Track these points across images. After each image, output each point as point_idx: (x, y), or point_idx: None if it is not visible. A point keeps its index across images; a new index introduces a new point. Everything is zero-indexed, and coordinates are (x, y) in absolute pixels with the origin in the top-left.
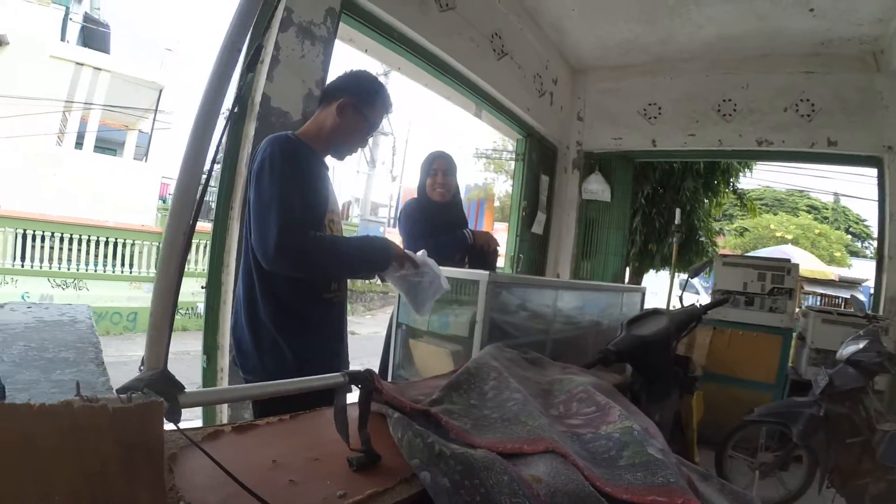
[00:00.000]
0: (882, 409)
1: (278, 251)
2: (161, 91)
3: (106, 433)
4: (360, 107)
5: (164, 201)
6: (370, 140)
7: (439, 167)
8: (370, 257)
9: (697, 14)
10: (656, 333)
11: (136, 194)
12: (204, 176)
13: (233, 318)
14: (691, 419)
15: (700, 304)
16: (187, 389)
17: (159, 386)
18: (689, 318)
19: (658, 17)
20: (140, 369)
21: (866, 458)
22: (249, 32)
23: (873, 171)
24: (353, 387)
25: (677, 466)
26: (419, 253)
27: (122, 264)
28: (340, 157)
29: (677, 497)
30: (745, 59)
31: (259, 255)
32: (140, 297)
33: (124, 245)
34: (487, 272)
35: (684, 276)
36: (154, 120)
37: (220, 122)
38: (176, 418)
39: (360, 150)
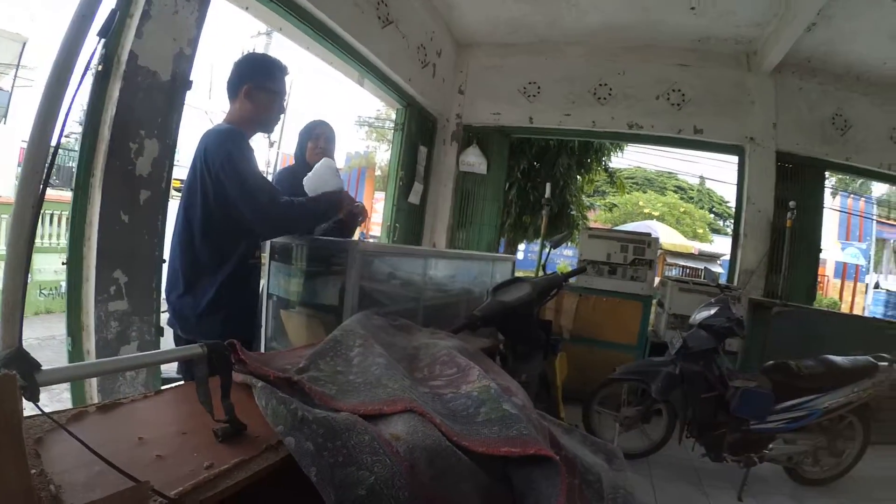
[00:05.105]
0: (734, 368)
1: (273, 220)
2: (25, 44)
3: None
4: (262, 84)
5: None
6: (286, 104)
7: (322, 132)
8: (323, 209)
9: (585, 0)
10: (519, 299)
11: None
12: (53, 143)
13: (168, 287)
14: (556, 378)
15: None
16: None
17: (15, 364)
18: (551, 286)
19: None
20: None
21: (721, 412)
22: None
23: (735, 158)
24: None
25: (537, 421)
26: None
27: None
28: (269, 130)
29: (530, 447)
30: (625, 48)
31: (258, 224)
32: None
33: None
34: (357, 241)
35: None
36: (15, 76)
37: (80, 82)
38: (34, 397)
39: (281, 116)
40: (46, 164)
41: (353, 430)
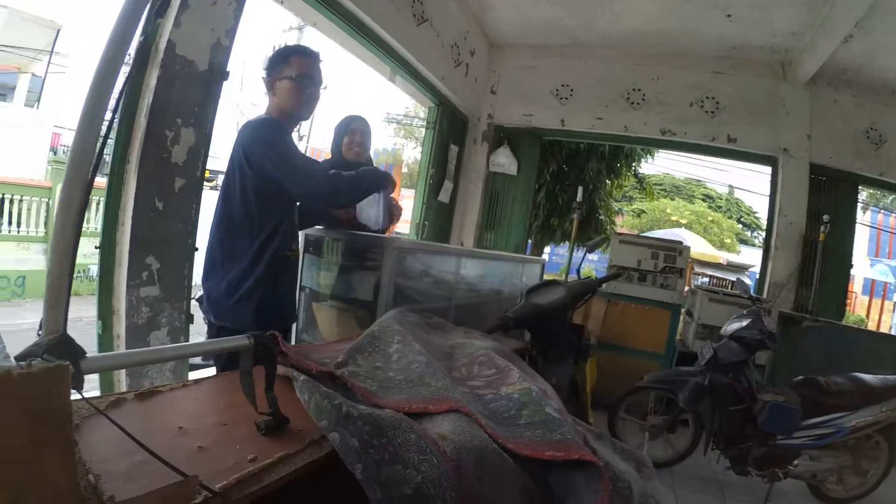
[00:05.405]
0: (762, 381)
1: (324, 191)
2: (59, 31)
3: (11, 403)
4: (280, 73)
5: (55, 153)
6: (320, 88)
7: (358, 127)
8: (371, 178)
9: (620, 5)
10: (553, 303)
11: (25, 145)
12: (104, 127)
13: (204, 272)
14: (585, 383)
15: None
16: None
17: (60, 351)
18: (585, 290)
19: (582, 1)
20: (38, 334)
21: (748, 425)
22: None
23: (766, 169)
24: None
25: (573, 425)
26: None
27: (10, 223)
28: (306, 116)
29: (574, 452)
30: (659, 54)
31: (309, 197)
32: (29, 258)
33: (11, 201)
34: (393, 237)
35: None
36: (49, 63)
37: (132, 66)
38: (79, 385)
39: (316, 101)
40: (97, 147)
41: (398, 427)
